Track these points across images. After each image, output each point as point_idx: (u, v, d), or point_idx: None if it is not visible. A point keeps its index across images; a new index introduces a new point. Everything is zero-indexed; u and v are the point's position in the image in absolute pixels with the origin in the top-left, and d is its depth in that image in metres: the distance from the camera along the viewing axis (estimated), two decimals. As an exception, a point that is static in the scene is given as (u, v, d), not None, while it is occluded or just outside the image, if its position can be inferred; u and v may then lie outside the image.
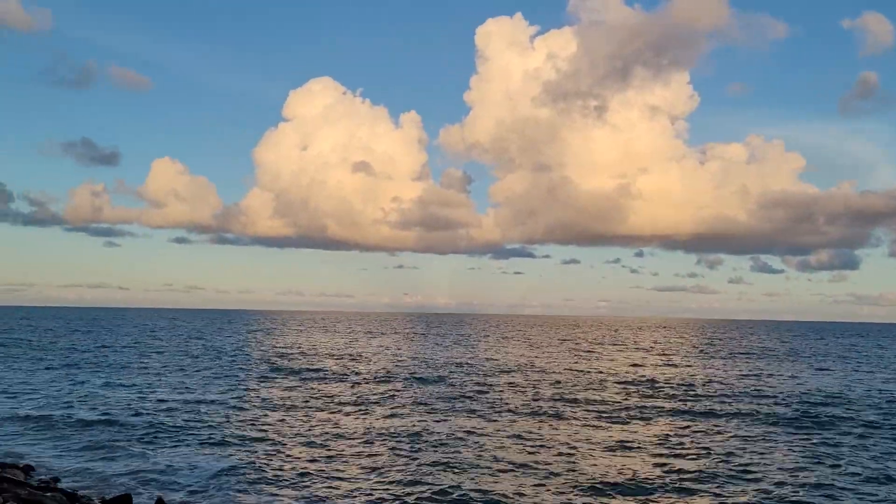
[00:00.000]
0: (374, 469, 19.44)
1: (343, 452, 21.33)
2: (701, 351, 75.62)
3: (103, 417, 26.27)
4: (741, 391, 37.08)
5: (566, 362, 55.02)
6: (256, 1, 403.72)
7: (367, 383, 38.28)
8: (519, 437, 23.85)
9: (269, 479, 18.44)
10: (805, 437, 24.78)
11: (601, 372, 46.83)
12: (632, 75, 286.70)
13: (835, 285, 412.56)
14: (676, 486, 18.12)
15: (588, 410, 29.60)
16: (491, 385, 37.96)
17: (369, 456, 20.92)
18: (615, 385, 39.06)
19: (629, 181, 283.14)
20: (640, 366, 53.19)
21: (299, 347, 68.91)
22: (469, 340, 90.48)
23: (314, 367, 47.51)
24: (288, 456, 20.88)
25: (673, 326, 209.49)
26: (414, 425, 25.66)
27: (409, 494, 17.17)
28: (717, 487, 18.06)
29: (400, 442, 22.75)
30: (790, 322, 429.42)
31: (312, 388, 35.82)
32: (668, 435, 24.60)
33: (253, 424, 25.49)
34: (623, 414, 28.87)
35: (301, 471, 19.22)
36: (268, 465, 19.83)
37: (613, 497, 17.25)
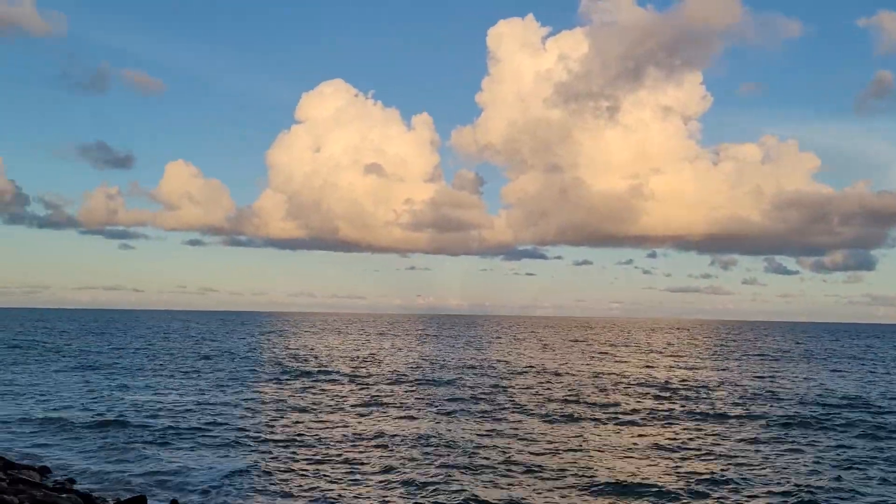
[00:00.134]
0: (387, 472, 19.46)
1: (356, 455, 21.37)
2: (714, 353, 75.17)
3: (118, 419, 26.45)
4: (755, 393, 36.83)
5: (579, 364, 54.86)
6: (269, 4, 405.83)
7: (379, 385, 38.33)
8: (532, 439, 23.81)
9: (283, 481, 18.50)
10: (820, 440, 24.57)
11: (614, 374, 46.66)
12: (644, 76, 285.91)
13: (850, 286, 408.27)
14: (690, 489, 18.02)
15: (601, 413, 29.49)
16: (503, 387, 37.91)
17: (382, 458, 20.94)
18: (628, 387, 38.90)
19: (642, 182, 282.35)
20: (654, 368, 52.96)
21: (312, 349, 69.12)
22: (481, 342, 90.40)
23: (327, 368, 47.63)
24: (301, 458, 20.94)
25: (686, 328, 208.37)
26: (426, 428, 25.67)
27: (423, 498, 17.18)
28: (731, 491, 17.94)
29: (413, 445, 22.76)
30: (805, 323, 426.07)
31: (325, 390, 35.92)
32: (681, 438, 24.47)
33: (266, 426, 25.59)
34: (636, 417, 28.74)
35: (314, 473, 19.28)
36: (281, 467, 19.90)
37: (627, 500, 17.19)
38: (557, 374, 45.50)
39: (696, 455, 21.77)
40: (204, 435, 23.98)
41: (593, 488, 18.01)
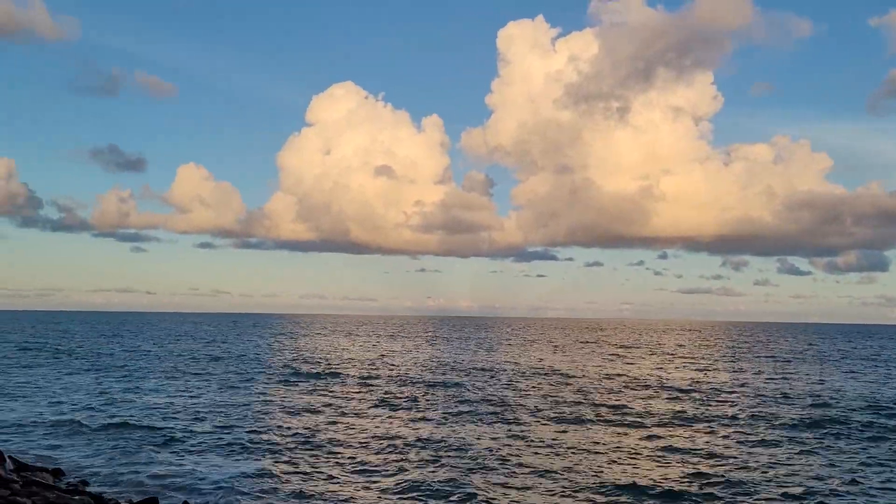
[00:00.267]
0: (398, 474, 19.44)
1: (367, 458, 21.36)
2: (726, 354, 74.73)
3: (130, 421, 26.57)
4: (768, 395, 36.56)
5: (590, 366, 54.68)
6: (279, 7, 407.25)
7: (390, 387, 38.33)
8: (544, 442, 23.72)
9: (294, 483, 18.51)
10: (833, 442, 24.36)
11: (625, 376, 46.47)
12: (654, 76, 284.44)
13: (863, 287, 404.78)
14: (702, 492, 17.90)
15: (613, 415, 29.36)
16: (514, 389, 37.82)
17: (393, 461, 20.92)
18: (640, 389, 38.73)
19: (652, 183, 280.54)
20: (665, 370, 52.70)
21: (322, 351, 69.25)
22: (492, 344, 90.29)
23: (337, 371, 47.69)
24: (312, 461, 20.96)
25: (698, 329, 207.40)
26: (438, 430, 25.64)
27: (434, 501, 17.14)
28: (744, 494, 17.81)
29: (424, 447, 22.73)
30: (818, 325, 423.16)
31: (336, 392, 35.95)
32: (693, 440, 24.31)
33: (277, 429, 25.63)
34: (648, 419, 28.59)
35: (325, 476, 19.28)
36: (293, 470, 19.92)
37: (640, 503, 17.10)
38: (568, 376, 45.36)
39: (708, 458, 21.62)
40: (215, 437, 24.05)
41: (605, 491, 17.92)
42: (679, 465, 20.76)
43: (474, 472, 19.51)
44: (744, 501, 17.25)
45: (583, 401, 33.44)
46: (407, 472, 19.57)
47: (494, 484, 18.48)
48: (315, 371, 47.04)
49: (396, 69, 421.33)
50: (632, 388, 39.03)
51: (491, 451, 22.18)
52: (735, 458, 21.68)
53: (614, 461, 21.13)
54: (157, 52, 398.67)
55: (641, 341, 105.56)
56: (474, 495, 17.42)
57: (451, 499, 17.24)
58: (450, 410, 30.05)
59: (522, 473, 19.52)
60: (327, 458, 21.31)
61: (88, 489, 17.83)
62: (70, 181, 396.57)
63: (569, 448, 22.81)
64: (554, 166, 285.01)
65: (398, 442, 23.47)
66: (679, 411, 30.60)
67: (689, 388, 39.53)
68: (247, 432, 24.87)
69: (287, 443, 23.20)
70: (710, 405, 32.64)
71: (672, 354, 72.46)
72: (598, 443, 23.75)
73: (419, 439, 23.86)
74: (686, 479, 19.02)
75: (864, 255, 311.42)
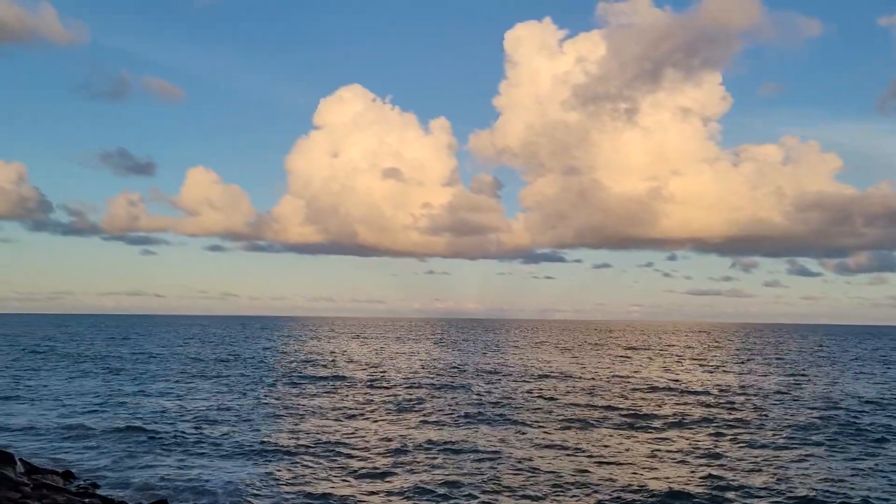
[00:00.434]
0: (407, 479, 19.44)
1: (376, 462, 21.37)
2: (736, 356, 74.37)
3: (140, 424, 26.68)
4: (778, 398, 36.37)
5: (599, 368, 54.53)
6: (286, 11, 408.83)
7: (398, 390, 38.34)
8: (553, 445, 23.68)
9: (303, 487, 18.55)
10: (843, 445, 24.19)
11: (635, 378, 46.32)
12: (662, 77, 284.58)
13: (874, 288, 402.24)
14: (712, 495, 17.82)
15: (623, 418, 29.27)
16: (523, 392, 37.76)
17: (402, 465, 20.92)
18: (649, 392, 38.60)
19: (661, 184, 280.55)
20: (674, 372, 52.50)
21: (331, 354, 69.35)
22: (500, 346, 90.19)
23: (345, 374, 47.76)
24: (320, 464, 20.99)
25: (707, 331, 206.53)
26: (446, 434, 25.63)
27: None
28: (753, 497, 17.72)
29: (433, 451, 22.72)
30: (828, 326, 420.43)
31: (344, 396, 35.99)
32: (704, 443, 24.22)
33: (286, 432, 25.69)
34: (657, 422, 28.49)
35: (334, 479, 19.32)
36: (301, 473, 19.96)
37: (647, 506, 17.05)
38: (577, 379, 45.26)
39: (717, 460, 21.52)
40: (224, 440, 24.12)
41: (614, 494, 17.86)
42: (688, 467, 20.68)
43: (482, 476, 19.49)
44: (753, 504, 17.16)
45: (592, 403, 33.35)
46: (415, 475, 19.57)
47: (503, 486, 18.45)
48: (323, 374, 47.13)
49: (404, 72, 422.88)
50: (641, 391, 38.90)
51: (500, 453, 22.16)
52: (745, 460, 21.57)
53: (624, 464, 21.07)
54: (165, 56, 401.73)
55: (651, 343, 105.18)
56: (482, 498, 17.40)
57: (460, 502, 17.23)
58: (458, 413, 30.03)
59: (531, 476, 19.48)
60: (335, 460, 21.34)
61: (98, 492, 17.93)
62: (80, 185, 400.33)
63: (578, 450, 22.76)
64: (562, 168, 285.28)
65: (406, 444, 23.48)
66: (688, 413, 30.48)
67: (698, 390, 39.37)
68: (256, 435, 24.93)
69: (295, 445, 23.24)
70: (719, 407, 32.50)
71: (681, 356, 72.18)
72: (607, 445, 23.69)
73: (427, 442, 23.86)
74: (696, 482, 18.94)
75: (874, 255, 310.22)
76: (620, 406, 32.40)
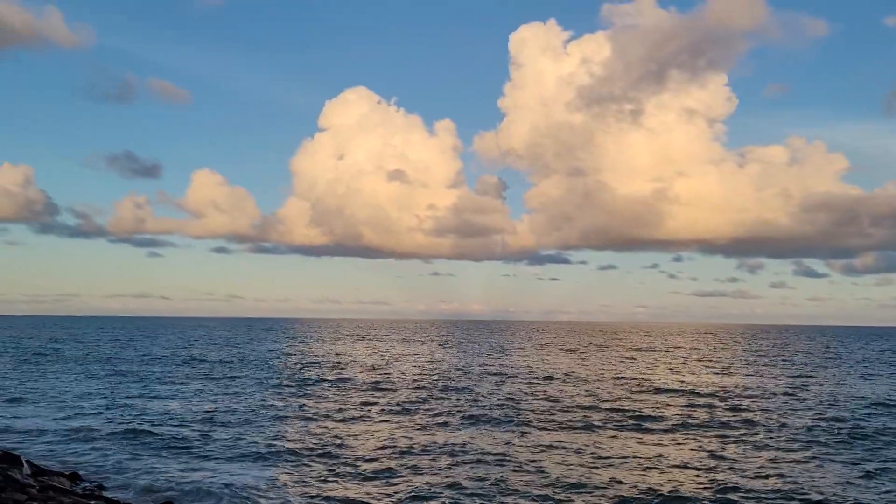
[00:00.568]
0: (413, 483, 19.43)
1: (382, 465, 21.37)
2: (742, 358, 74.14)
3: (145, 427, 26.75)
4: (784, 400, 36.24)
5: (604, 370, 54.44)
6: (291, 13, 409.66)
7: (403, 393, 38.34)
8: (557, 448, 23.65)
9: (308, 490, 18.57)
10: (851, 448, 24.08)
11: (640, 381, 46.22)
12: (667, 78, 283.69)
13: (881, 289, 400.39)
14: (717, 498, 17.76)
15: (628, 420, 29.21)
16: (528, 394, 37.73)
17: (408, 469, 20.91)
18: (655, 394, 38.51)
19: (666, 185, 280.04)
20: (680, 373, 52.38)
21: (336, 356, 69.42)
22: (505, 348, 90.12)
23: (351, 376, 47.79)
24: (327, 467, 21.01)
25: (713, 332, 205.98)
26: (452, 436, 25.63)
27: (445, 505, 17.14)
28: (759, 501, 17.65)
29: (439, 454, 22.70)
30: (835, 327, 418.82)
31: (349, 398, 36.01)
32: (708, 446, 24.14)
33: (292, 435, 25.71)
34: (663, 424, 28.42)
35: (340, 483, 19.33)
36: (307, 476, 19.98)
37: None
38: (582, 381, 45.19)
39: (724, 464, 21.44)
40: (229, 442, 24.16)
41: (620, 497, 17.82)
42: (694, 470, 20.61)
43: (487, 478, 19.47)
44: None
45: (597, 405, 33.29)
46: (420, 478, 19.57)
47: (508, 489, 18.43)
48: (328, 376, 47.16)
49: (408, 74, 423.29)
50: (647, 392, 38.81)
51: (505, 455, 22.14)
52: (751, 463, 21.49)
53: (630, 466, 21.02)
54: (171, 59, 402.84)
55: (656, 345, 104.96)
56: (487, 501, 17.39)
57: (465, 504, 17.22)
58: (462, 415, 30.01)
59: (536, 478, 19.45)
60: (340, 463, 21.35)
61: (105, 494, 17.98)
62: (86, 188, 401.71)
63: (583, 453, 22.71)
64: (567, 169, 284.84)
65: (411, 447, 23.48)
66: (694, 416, 30.40)
67: (704, 392, 39.24)
68: (261, 437, 24.97)
69: (300, 448, 23.26)
70: (725, 409, 32.39)
71: (687, 358, 72.00)
72: (612, 448, 23.64)
73: (432, 444, 23.86)
74: (702, 485, 18.89)
75: (881, 256, 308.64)
76: (626, 408, 32.33)
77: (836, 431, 26.76)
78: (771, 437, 25.57)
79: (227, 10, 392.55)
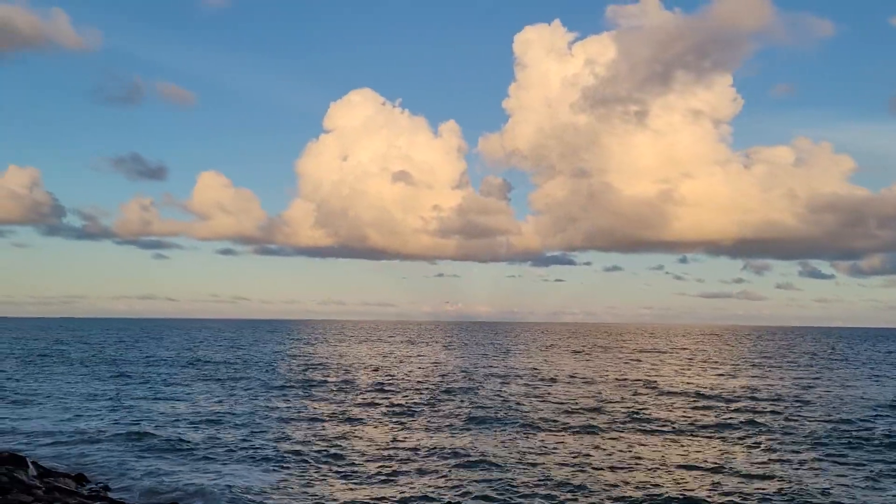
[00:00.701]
0: (416, 485, 19.42)
1: (385, 468, 21.36)
2: (748, 359, 73.89)
3: (150, 429, 26.81)
4: (790, 402, 36.07)
5: (610, 372, 54.32)
6: (296, 15, 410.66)
7: (408, 395, 38.33)
8: (562, 450, 23.60)
9: (313, 494, 18.58)
10: (857, 452, 23.95)
11: (646, 383, 46.10)
12: (673, 79, 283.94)
13: (888, 290, 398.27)
14: (721, 502, 17.69)
15: (633, 422, 29.13)
16: (533, 396, 37.67)
17: (413, 472, 20.89)
18: (660, 397, 38.40)
19: (672, 186, 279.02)
20: (686, 375, 52.22)
21: (341, 358, 69.46)
22: (510, 350, 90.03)
23: (355, 378, 47.81)
24: (331, 471, 21.01)
25: (719, 333, 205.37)
26: (457, 439, 25.60)
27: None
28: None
29: (443, 457, 22.67)
30: (841, 329, 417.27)
31: (353, 400, 36.00)
32: (714, 448, 24.06)
33: (295, 438, 25.72)
34: (668, 427, 28.32)
35: (345, 486, 19.33)
36: (311, 479, 19.98)
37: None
38: (588, 383, 45.10)
39: (729, 467, 21.34)
40: (234, 445, 24.19)
41: (625, 501, 17.78)
42: (699, 473, 20.54)
43: (493, 480, 19.45)
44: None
45: (602, 407, 33.21)
46: (424, 480, 19.55)
47: (512, 491, 18.40)
48: (332, 378, 47.19)
49: (413, 75, 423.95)
50: (652, 394, 38.70)
51: (509, 458, 22.11)
52: (756, 466, 21.40)
53: (634, 469, 20.96)
54: (177, 61, 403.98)
55: (662, 346, 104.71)
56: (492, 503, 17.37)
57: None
58: (467, 417, 29.98)
59: (541, 480, 19.41)
60: (344, 465, 21.35)
61: (111, 495, 18.02)
62: (93, 190, 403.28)
63: (587, 455, 22.66)
64: (572, 170, 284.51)
65: (416, 449, 23.47)
66: (700, 418, 30.31)
67: (709, 394, 39.11)
68: (265, 440, 24.99)
69: (304, 450, 23.27)
70: (730, 411, 32.28)
71: (692, 359, 71.81)
72: (618, 450, 23.58)
73: (436, 446, 23.83)
74: (707, 488, 18.82)
75: (888, 258, 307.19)
76: (631, 410, 32.25)
77: (842, 434, 26.62)
78: (777, 440, 25.46)
79: (232, 12, 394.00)
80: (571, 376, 49.54)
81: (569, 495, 18.15)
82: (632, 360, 70.95)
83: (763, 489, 18.67)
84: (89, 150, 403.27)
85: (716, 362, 67.96)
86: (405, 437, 25.47)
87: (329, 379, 46.08)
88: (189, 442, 24.43)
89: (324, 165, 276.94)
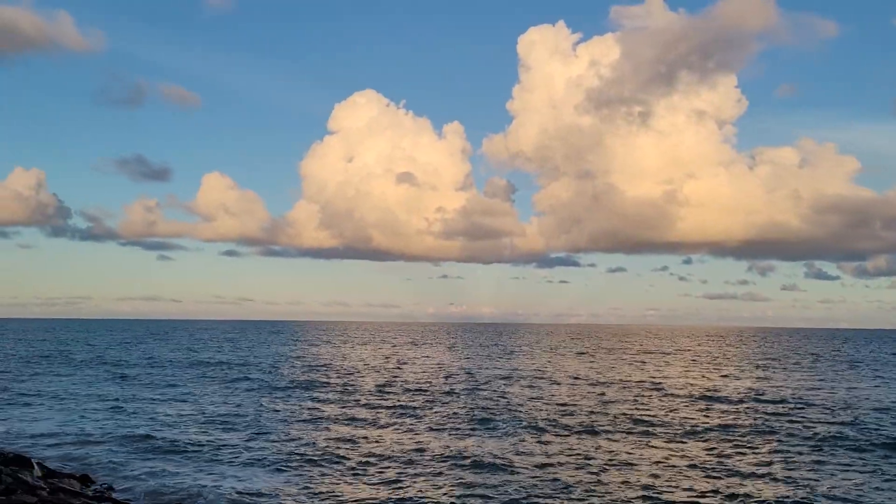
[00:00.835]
0: (420, 488, 19.40)
1: (388, 470, 21.35)
2: (752, 361, 73.72)
3: (154, 430, 26.86)
4: (794, 404, 35.98)
5: (614, 373, 54.24)
6: (300, 16, 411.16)
7: (412, 397, 38.32)
8: (566, 452, 23.57)
9: (315, 497, 18.57)
10: (862, 454, 23.86)
11: (650, 384, 46.02)
12: (677, 80, 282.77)
13: (893, 292, 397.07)
14: None
15: (636, 424, 29.07)
16: (537, 398, 37.64)
17: (414, 473, 20.89)
18: (664, 398, 38.33)
19: (676, 187, 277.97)
20: (690, 377, 52.12)
21: (345, 360, 69.50)
22: (514, 351, 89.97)
23: (359, 380, 47.82)
24: (335, 473, 21.01)
25: (724, 335, 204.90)
26: (459, 442, 25.58)
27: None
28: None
29: (447, 459, 22.62)
30: (846, 330, 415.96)
31: (357, 402, 36.00)
32: (718, 451, 23.98)
33: (298, 440, 25.73)
34: (672, 429, 28.26)
35: (348, 488, 19.32)
36: (314, 482, 19.98)
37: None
38: (592, 384, 45.04)
39: (733, 470, 21.29)
40: (236, 447, 24.21)
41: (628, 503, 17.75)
42: (703, 475, 20.48)
43: (497, 482, 19.43)
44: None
45: (606, 409, 33.17)
46: (428, 482, 19.54)
47: (515, 493, 18.37)
48: (336, 380, 47.21)
49: (417, 76, 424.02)
50: (656, 396, 38.64)
51: (512, 460, 22.07)
52: (760, 469, 21.33)
53: (638, 471, 20.91)
54: (181, 63, 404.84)
55: (666, 347, 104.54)
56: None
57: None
58: (471, 419, 29.96)
59: (544, 483, 19.38)
60: (347, 468, 21.35)
61: (115, 496, 18.06)
62: (97, 191, 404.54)
63: (591, 457, 22.62)
64: (576, 172, 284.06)
65: (419, 451, 23.44)
66: (704, 420, 30.23)
67: (714, 395, 39.04)
68: (268, 442, 25.01)
69: (307, 452, 23.29)
70: (735, 413, 32.21)
71: (697, 361, 71.68)
72: (622, 452, 23.53)
73: (440, 448, 23.82)
74: (710, 491, 18.77)
75: (893, 259, 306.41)
76: (635, 411, 32.20)
77: (847, 436, 26.52)
78: (781, 442, 25.39)
79: (236, 13, 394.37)
80: (575, 378, 49.48)
81: (573, 497, 18.12)
82: (636, 361, 70.83)
83: (767, 491, 18.61)
84: (93, 152, 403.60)
85: (720, 364, 67.81)
86: (409, 439, 25.47)
87: (333, 380, 46.11)
88: (193, 443, 24.47)
89: (328, 167, 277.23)
